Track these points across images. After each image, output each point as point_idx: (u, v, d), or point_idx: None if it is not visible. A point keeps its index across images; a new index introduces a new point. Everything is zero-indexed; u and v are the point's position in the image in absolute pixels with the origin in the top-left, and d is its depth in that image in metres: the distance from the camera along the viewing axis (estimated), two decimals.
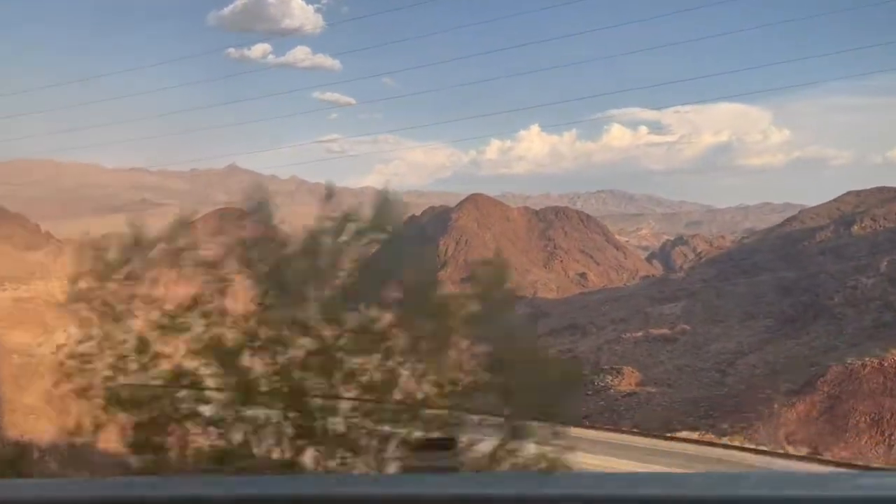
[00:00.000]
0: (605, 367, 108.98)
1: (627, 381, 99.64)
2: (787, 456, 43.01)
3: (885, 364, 44.68)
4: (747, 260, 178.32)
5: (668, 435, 47.44)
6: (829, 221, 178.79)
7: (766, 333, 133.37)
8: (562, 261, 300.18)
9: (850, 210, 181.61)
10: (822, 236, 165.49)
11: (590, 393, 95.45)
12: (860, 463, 39.29)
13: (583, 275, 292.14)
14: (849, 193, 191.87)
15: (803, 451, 42.30)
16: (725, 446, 44.26)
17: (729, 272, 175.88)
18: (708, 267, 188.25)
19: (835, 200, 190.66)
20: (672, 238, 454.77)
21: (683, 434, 48.76)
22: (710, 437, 48.64)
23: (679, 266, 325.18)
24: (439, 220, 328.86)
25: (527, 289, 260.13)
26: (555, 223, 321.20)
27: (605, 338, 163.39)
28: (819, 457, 41.42)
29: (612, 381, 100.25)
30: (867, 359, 46.16)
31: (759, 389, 63.78)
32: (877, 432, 41.10)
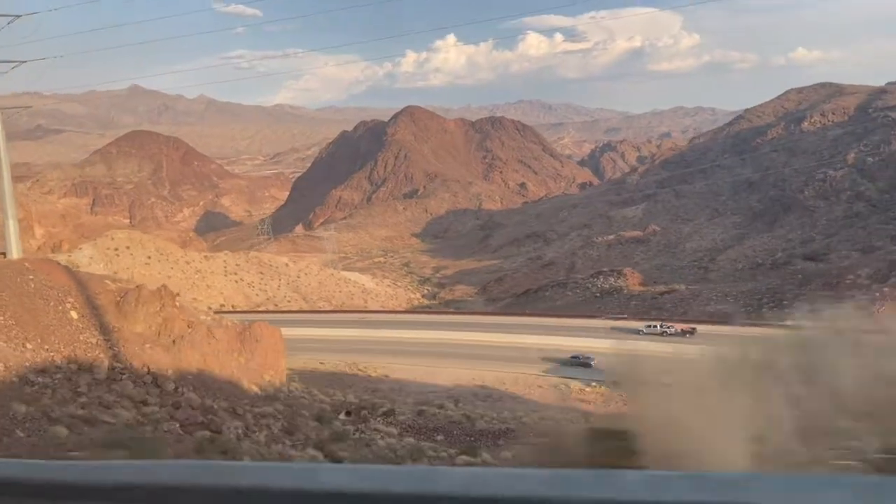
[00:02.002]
0: (605, 269, 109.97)
1: (631, 281, 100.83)
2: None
3: None
4: (700, 160, 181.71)
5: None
6: (776, 119, 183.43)
7: (737, 229, 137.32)
8: (501, 172, 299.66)
9: (794, 107, 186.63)
10: (774, 133, 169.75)
11: (600, 295, 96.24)
12: None
13: (523, 185, 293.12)
14: (791, 91, 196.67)
15: None
16: None
17: (685, 172, 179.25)
18: (661, 169, 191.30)
19: (778, 98, 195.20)
20: (594, 145, 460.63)
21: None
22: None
23: (609, 172, 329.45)
24: (373, 135, 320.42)
25: (472, 201, 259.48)
26: (491, 133, 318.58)
27: (573, 244, 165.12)
28: None
29: (615, 282, 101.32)
30: None
31: (807, 279, 65.39)
32: None
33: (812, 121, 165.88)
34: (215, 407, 34.89)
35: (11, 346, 31.78)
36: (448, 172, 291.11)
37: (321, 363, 51.05)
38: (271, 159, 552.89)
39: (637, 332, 55.06)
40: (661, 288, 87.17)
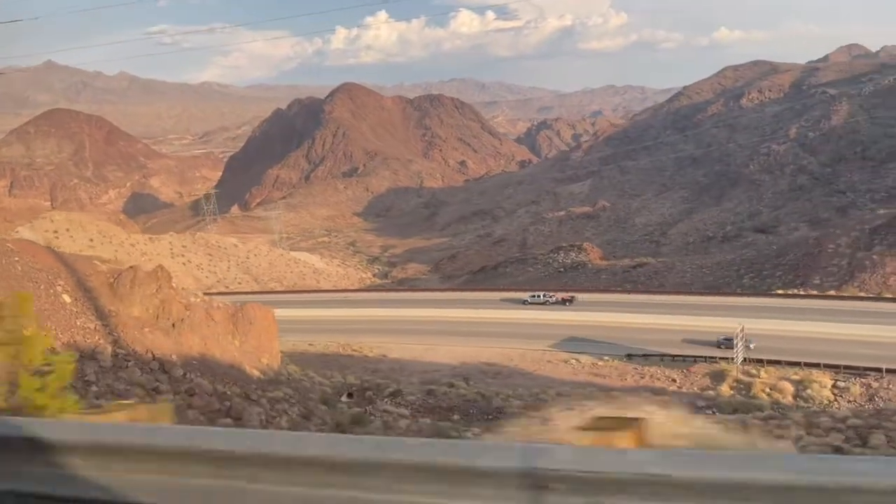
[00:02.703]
0: (564, 244, 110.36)
1: (592, 256, 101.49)
2: (891, 300, 45.35)
3: None
4: (643, 137, 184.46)
5: (796, 292, 48.42)
6: (714, 96, 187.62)
7: (685, 203, 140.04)
8: (441, 149, 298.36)
9: (731, 84, 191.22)
10: (714, 109, 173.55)
11: (563, 270, 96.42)
12: None
13: (463, 163, 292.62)
14: (727, 68, 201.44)
15: None
16: (849, 297, 45.88)
17: (627, 149, 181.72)
18: (605, 146, 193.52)
19: (716, 75, 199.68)
20: (529, 123, 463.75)
21: (780, 292, 50.18)
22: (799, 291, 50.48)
23: (545, 150, 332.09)
24: (310, 112, 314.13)
25: (413, 179, 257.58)
26: (430, 111, 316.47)
27: (522, 220, 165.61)
28: None
29: (577, 257, 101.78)
30: None
31: (782, 251, 66.72)
32: None
33: (750, 97, 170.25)
34: (228, 393, 32.94)
35: None
36: (388, 150, 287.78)
37: (310, 345, 49.06)
38: (200, 139, 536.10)
39: (523, 301, 58.78)
40: (626, 262, 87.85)
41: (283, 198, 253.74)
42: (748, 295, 50.16)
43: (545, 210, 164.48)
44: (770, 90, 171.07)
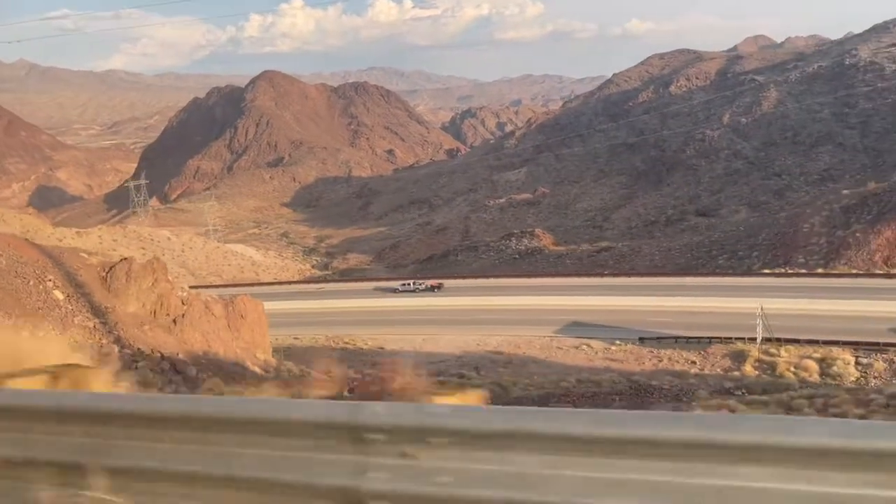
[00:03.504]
0: (516, 231, 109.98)
1: (544, 241, 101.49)
2: (885, 276, 46.35)
3: None
4: (575, 124, 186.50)
5: (787, 271, 48.77)
6: (642, 83, 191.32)
7: (624, 189, 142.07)
8: (368, 138, 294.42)
9: (658, 72, 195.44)
10: (644, 97, 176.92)
11: (519, 257, 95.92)
12: None
13: (391, 151, 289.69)
14: (653, 56, 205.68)
15: None
16: (836, 274, 46.65)
17: (560, 136, 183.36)
18: (538, 133, 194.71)
19: (642, 64, 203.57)
20: (451, 112, 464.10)
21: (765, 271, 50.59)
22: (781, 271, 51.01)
23: (471, 138, 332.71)
24: (229, 101, 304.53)
25: (341, 168, 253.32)
26: (355, 99, 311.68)
27: (461, 208, 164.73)
28: None
29: (530, 243, 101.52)
30: None
31: (749, 233, 67.61)
32: None
33: (679, 85, 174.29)
34: (245, 393, 30.38)
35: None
36: (313, 139, 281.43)
37: (295, 338, 46.45)
38: (109, 129, 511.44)
39: (394, 290, 60.90)
40: (587, 247, 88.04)
41: (207, 189, 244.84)
42: (738, 275, 50.62)
43: (483, 198, 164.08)
44: (697, 77, 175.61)
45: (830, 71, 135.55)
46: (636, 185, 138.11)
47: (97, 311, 30.35)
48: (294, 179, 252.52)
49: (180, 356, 31.26)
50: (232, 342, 35.45)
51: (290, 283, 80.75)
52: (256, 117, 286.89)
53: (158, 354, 29.50)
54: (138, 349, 29.33)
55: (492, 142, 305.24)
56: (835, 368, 33.30)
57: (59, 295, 29.76)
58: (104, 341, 28.58)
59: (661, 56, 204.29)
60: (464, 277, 62.97)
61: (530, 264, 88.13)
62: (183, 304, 33.88)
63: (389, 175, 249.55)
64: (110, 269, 31.63)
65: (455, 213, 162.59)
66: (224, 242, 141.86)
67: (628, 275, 56.61)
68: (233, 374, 33.17)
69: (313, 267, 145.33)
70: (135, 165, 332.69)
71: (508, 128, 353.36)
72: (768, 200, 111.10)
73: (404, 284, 61.57)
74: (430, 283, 60.94)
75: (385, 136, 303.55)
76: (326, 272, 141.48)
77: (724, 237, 68.52)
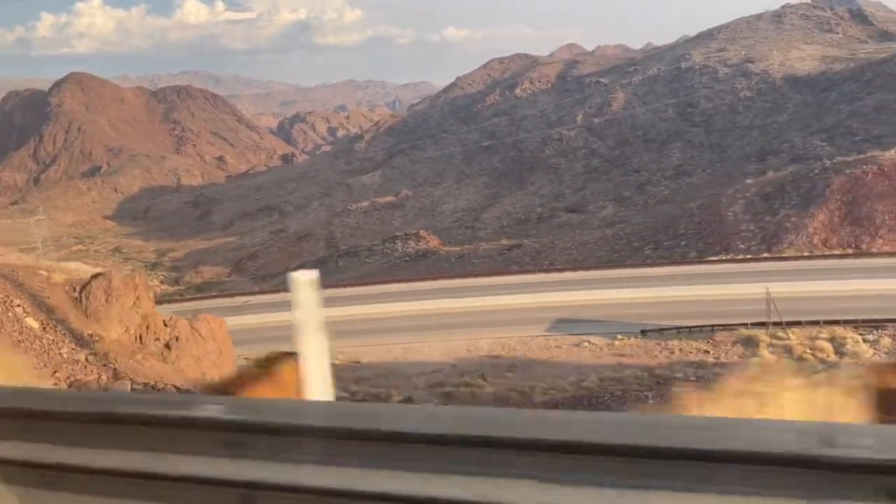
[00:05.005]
0: (399, 233, 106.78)
1: (431, 243, 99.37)
2: (838, 256, 48.36)
3: (886, 169, 51.53)
4: (423, 127, 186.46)
5: (718, 259, 49.20)
6: (486, 87, 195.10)
7: (488, 189, 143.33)
8: (195, 144, 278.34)
9: (500, 76, 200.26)
10: (492, 99, 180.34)
11: (410, 259, 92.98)
12: None
13: (221, 158, 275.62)
14: (493, 60, 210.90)
15: (847, 251, 47.86)
16: (780, 258, 47.94)
17: (409, 140, 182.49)
18: (387, 136, 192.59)
19: (484, 67, 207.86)
20: (276, 118, 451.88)
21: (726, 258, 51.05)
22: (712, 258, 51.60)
23: (302, 144, 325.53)
24: (31, 106, 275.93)
25: (169, 177, 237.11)
26: (178, 104, 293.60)
27: (318, 214, 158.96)
28: (866, 252, 47.53)
29: (417, 245, 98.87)
30: (864, 167, 52.64)
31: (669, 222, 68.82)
32: None
33: (524, 88, 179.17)
34: None
35: None
36: (134, 147, 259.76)
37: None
38: None
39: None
40: (490, 245, 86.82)
41: (14, 203, 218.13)
42: (692, 263, 50.89)
43: (340, 202, 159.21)
44: (539, 81, 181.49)
45: (669, 74, 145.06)
46: (500, 185, 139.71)
47: (81, 341, 23.97)
48: (116, 190, 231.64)
49: (182, 387, 25.67)
50: (224, 365, 29.82)
51: (194, 299, 72.36)
52: (65, 123, 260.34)
53: (172, 388, 23.84)
54: (144, 384, 23.48)
55: (326, 146, 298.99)
56: (848, 347, 33.82)
57: (32, 323, 23.16)
58: (103, 377, 22.53)
59: (501, 60, 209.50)
60: (385, 283, 58.99)
61: (428, 266, 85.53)
62: (166, 325, 27.89)
63: (224, 183, 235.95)
64: (83, 287, 25.14)
65: (312, 219, 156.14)
66: (57, 261, 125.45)
67: (586, 269, 54.93)
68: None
69: (162, 282, 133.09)
70: None
71: (341, 133, 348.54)
72: (632, 195, 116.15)
73: None
74: None
75: (213, 142, 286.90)
76: (179, 287, 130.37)
77: (638, 229, 70.06)
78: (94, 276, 25.86)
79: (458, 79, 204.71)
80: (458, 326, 41.32)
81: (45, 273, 26.71)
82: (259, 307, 49.13)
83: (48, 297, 24.16)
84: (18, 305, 22.60)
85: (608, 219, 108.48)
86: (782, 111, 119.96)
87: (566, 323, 40.16)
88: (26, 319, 22.60)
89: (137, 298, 26.55)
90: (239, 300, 57.54)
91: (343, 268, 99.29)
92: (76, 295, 25.06)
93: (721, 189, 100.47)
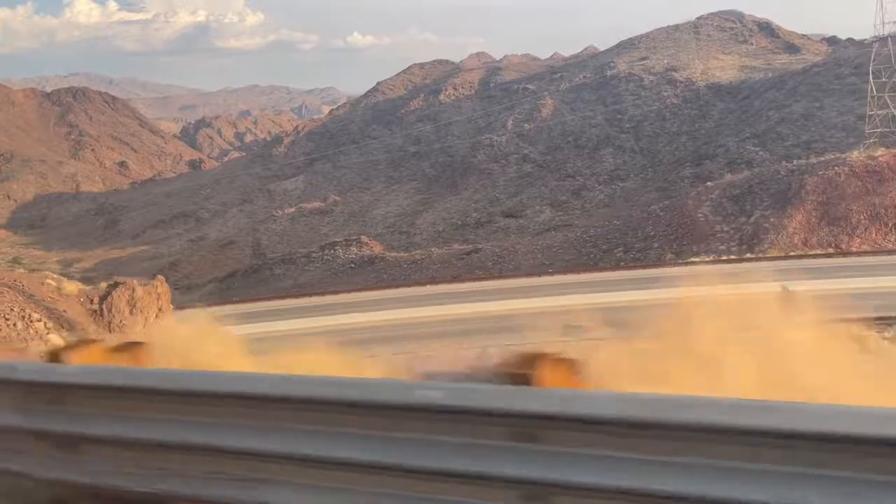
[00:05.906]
0: (339, 239, 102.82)
1: (375, 248, 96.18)
2: (820, 256, 48.33)
3: (857, 170, 52.13)
4: (345, 132, 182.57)
5: (689, 260, 48.30)
6: (408, 92, 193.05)
7: (419, 194, 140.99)
8: (93, 149, 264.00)
9: (420, 81, 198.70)
10: (415, 105, 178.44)
11: (354, 266, 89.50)
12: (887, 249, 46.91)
13: (123, 163, 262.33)
14: (413, 66, 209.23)
15: (829, 250, 47.95)
16: (759, 258, 47.52)
17: (331, 144, 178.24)
18: (307, 141, 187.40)
19: (404, 72, 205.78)
20: (175, 123, 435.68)
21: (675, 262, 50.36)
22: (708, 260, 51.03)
23: (207, 149, 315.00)
24: None
25: (67, 183, 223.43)
26: (74, 107, 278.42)
27: (238, 221, 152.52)
28: (846, 252, 47.74)
29: (360, 251, 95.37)
30: (837, 168, 53.12)
31: (646, 221, 67.93)
32: (881, 225, 48.62)
33: (447, 93, 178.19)
34: None
35: None
36: (26, 151, 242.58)
37: None
38: None
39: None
40: (448, 249, 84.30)
41: None
42: (680, 264, 50.01)
43: (262, 209, 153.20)
44: (462, 87, 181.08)
45: (595, 81, 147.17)
46: (431, 191, 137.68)
47: None
48: (9, 197, 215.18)
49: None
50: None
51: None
52: None
53: None
54: None
55: (234, 152, 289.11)
56: (871, 343, 33.51)
57: (56, 339, 19.29)
58: None
59: (422, 66, 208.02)
60: (347, 292, 55.48)
61: (377, 273, 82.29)
62: None
63: (129, 189, 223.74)
64: (102, 298, 21.32)
65: (233, 226, 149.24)
66: None
67: (577, 272, 53.13)
68: None
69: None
70: None
71: (249, 138, 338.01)
72: (568, 200, 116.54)
73: None
74: None
75: (114, 147, 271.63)
76: None
77: (603, 231, 69.38)
78: (113, 286, 22.04)
79: (378, 83, 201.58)
80: (456, 335, 38.71)
81: (51, 282, 22.66)
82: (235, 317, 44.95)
83: (63, 311, 20.27)
84: (39, 320, 18.70)
85: (546, 223, 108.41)
86: (707, 118, 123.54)
87: (579, 328, 38.36)
88: (49, 335, 18.76)
89: (160, 309, 22.91)
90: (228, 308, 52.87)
91: (280, 276, 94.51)
92: (94, 307, 21.24)
93: (657, 194, 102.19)
